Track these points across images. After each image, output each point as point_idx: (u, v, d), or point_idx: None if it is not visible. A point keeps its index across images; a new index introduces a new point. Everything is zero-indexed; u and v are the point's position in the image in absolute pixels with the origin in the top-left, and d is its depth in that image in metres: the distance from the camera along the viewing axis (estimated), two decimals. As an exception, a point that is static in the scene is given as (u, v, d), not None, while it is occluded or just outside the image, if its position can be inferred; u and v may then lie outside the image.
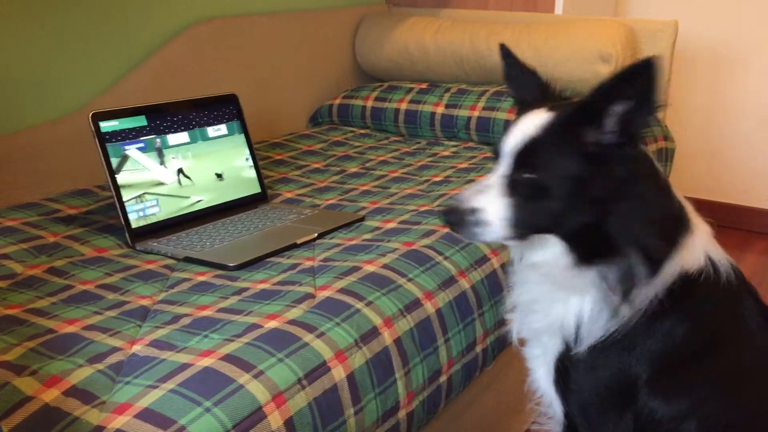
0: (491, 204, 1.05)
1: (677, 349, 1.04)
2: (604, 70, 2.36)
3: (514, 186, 1.03)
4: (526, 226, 1.03)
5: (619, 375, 1.06)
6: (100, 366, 1.06)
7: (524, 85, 1.14)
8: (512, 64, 1.15)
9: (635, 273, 1.00)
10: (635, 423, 1.05)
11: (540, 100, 1.10)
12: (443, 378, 1.35)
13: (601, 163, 0.99)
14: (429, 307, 1.36)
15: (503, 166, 1.04)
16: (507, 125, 1.09)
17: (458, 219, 1.06)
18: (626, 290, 1.01)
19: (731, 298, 1.08)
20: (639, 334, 1.04)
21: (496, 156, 1.06)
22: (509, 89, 1.17)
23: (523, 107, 1.11)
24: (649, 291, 1.02)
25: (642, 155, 1.04)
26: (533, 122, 1.03)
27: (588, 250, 1.02)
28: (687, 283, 1.04)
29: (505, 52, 1.16)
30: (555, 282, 1.08)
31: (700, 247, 1.07)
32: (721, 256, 1.09)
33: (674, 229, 1.05)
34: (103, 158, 1.53)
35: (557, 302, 1.09)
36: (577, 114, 1.01)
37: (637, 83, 0.97)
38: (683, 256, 1.04)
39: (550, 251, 1.05)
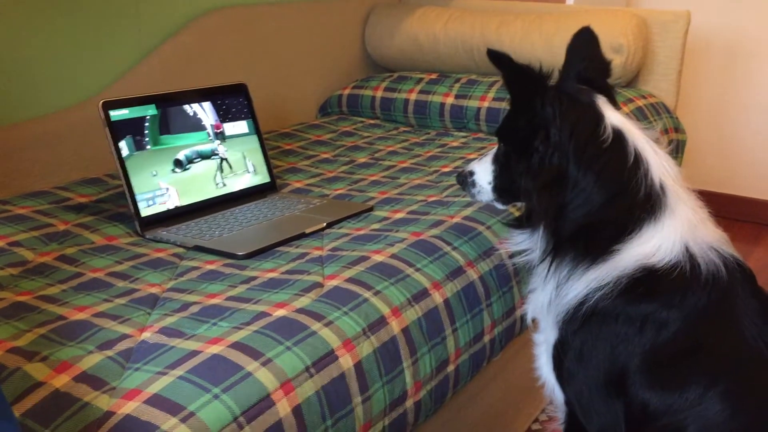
0: (481, 169, 1.28)
1: (661, 343, 1.02)
2: (616, 61, 2.35)
3: (498, 156, 1.25)
4: (503, 190, 1.25)
5: (606, 364, 1.06)
6: (110, 352, 1.07)
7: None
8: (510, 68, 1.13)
9: (539, 241, 1.12)
10: (627, 413, 1.05)
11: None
12: (451, 368, 1.35)
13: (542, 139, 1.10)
14: (437, 297, 1.36)
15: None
16: None
17: (462, 179, 1.31)
18: (541, 254, 1.12)
19: (716, 298, 1.03)
20: (612, 321, 1.04)
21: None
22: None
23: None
24: (595, 276, 1.04)
25: (594, 140, 1.07)
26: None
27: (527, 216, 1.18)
28: (653, 277, 1.02)
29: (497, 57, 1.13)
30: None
31: (672, 238, 1.04)
32: (704, 250, 1.05)
33: (623, 214, 1.06)
34: (113, 147, 1.53)
35: (542, 286, 1.17)
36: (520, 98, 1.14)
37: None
38: (641, 245, 1.04)
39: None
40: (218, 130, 1.74)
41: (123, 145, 1.55)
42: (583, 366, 1.09)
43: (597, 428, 1.11)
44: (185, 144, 1.67)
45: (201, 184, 1.67)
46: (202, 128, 1.72)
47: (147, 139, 1.59)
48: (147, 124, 1.60)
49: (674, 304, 1.02)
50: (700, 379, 0.99)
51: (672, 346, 1.02)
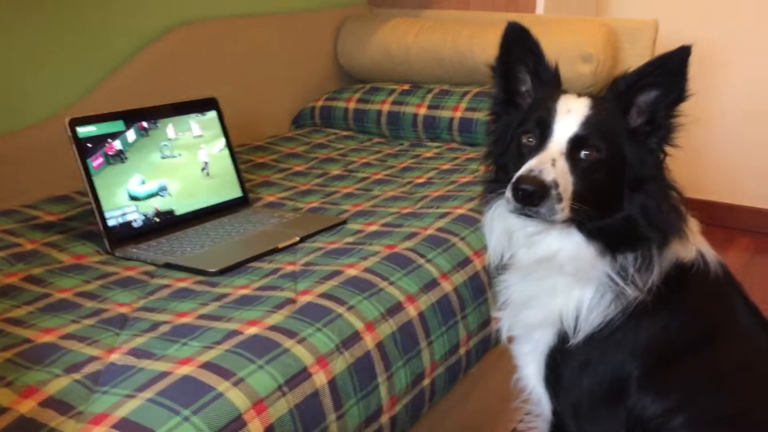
0: (564, 180, 0.99)
1: (671, 344, 1.05)
2: (586, 70, 2.36)
3: (577, 165, 1.02)
4: (585, 204, 1.00)
5: (613, 371, 1.06)
6: (77, 376, 1.05)
7: (542, 69, 1.14)
8: (527, 44, 1.16)
9: (654, 262, 1.02)
10: (626, 419, 1.05)
11: (558, 85, 1.13)
12: (426, 381, 1.35)
13: (641, 148, 1.05)
14: (411, 311, 1.35)
15: (558, 145, 1.02)
16: (543, 106, 1.07)
17: (545, 192, 0.98)
18: (643, 280, 1.02)
19: (721, 292, 1.10)
20: (634, 326, 1.05)
21: (542, 134, 1.04)
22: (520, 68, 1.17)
23: (538, 90, 1.13)
24: (650, 279, 1.03)
25: None
26: (580, 107, 1.05)
27: (613, 238, 1.03)
28: (681, 273, 1.06)
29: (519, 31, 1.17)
30: (570, 273, 1.07)
31: (692, 240, 1.08)
32: (709, 251, 1.11)
33: (682, 217, 1.07)
34: (80, 164, 1.51)
35: (558, 295, 1.09)
36: (615, 102, 1.06)
37: (665, 72, 1.06)
38: (681, 245, 1.06)
39: (569, 242, 1.05)
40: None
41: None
42: (588, 373, 1.07)
43: None
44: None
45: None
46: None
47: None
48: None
49: (687, 302, 1.07)
50: (699, 376, 1.04)
51: (676, 346, 1.05)
